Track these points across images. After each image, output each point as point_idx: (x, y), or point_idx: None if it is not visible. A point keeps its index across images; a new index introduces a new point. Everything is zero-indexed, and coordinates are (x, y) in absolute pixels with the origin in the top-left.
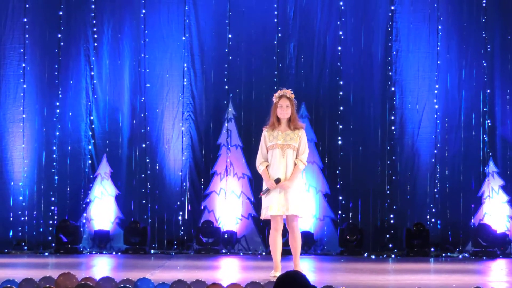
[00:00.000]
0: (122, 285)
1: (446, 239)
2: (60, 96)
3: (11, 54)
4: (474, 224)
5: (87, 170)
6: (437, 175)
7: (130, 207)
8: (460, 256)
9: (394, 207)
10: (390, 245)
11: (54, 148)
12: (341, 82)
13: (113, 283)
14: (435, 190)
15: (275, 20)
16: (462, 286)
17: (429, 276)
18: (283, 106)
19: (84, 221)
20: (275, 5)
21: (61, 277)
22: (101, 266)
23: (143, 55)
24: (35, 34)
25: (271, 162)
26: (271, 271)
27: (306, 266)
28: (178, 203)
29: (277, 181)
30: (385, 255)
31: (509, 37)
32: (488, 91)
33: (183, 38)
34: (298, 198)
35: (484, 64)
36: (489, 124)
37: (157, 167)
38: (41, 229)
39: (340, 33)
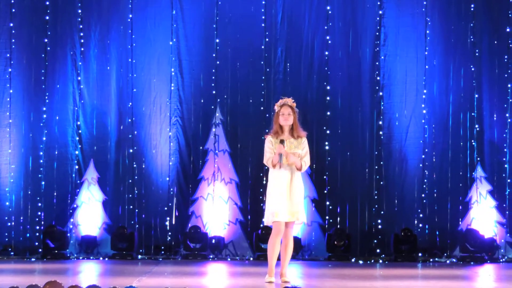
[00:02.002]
0: None
1: (434, 244)
2: (47, 101)
3: None
4: (462, 229)
5: (74, 175)
6: (425, 180)
7: (118, 213)
8: (448, 262)
9: (382, 212)
10: (378, 250)
11: (41, 153)
12: (328, 87)
13: None
14: (423, 195)
15: (263, 25)
16: None
17: (417, 283)
18: (285, 114)
19: (71, 226)
20: (263, 10)
21: (48, 285)
22: (88, 272)
23: (130, 59)
24: (22, 39)
25: (275, 170)
26: (266, 276)
27: (294, 272)
28: (166, 208)
29: (281, 142)
30: (372, 260)
31: (496, 42)
32: (476, 95)
33: (171, 42)
34: (303, 204)
35: (472, 69)
36: (477, 129)
37: (144, 172)
38: (28, 235)
39: (328, 37)
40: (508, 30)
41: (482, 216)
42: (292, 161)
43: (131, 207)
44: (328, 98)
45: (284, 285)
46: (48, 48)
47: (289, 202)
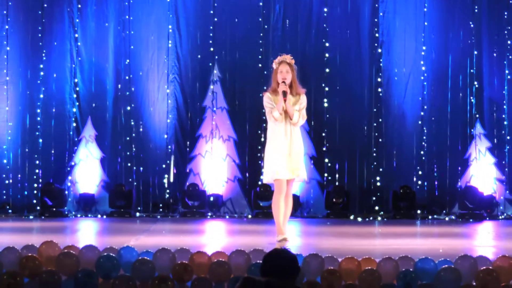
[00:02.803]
0: (105, 254)
1: (433, 202)
2: (44, 58)
3: None
4: (461, 186)
5: (71, 133)
6: (424, 137)
7: (115, 170)
8: (447, 219)
9: (381, 169)
10: (377, 208)
11: (38, 111)
12: (327, 44)
13: (96, 251)
14: (422, 152)
15: None
16: (448, 251)
17: (416, 240)
18: (283, 72)
19: (69, 184)
20: None
21: (44, 245)
22: (86, 230)
23: (127, 16)
24: None
25: (273, 125)
26: (277, 235)
27: (293, 230)
28: (164, 166)
29: (283, 93)
30: (371, 218)
31: None
32: (476, 52)
33: None
34: (303, 161)
35: (472, 26)
36: (476, 86)
37: (142, 130)
38: (26, 192)
39: None
40: None
41: (481, 173)
42: (290, 112)
43: (129, 164)
44: (327, 55)
45: (280, 244)
46: (45, 5)
47: (289, 159)
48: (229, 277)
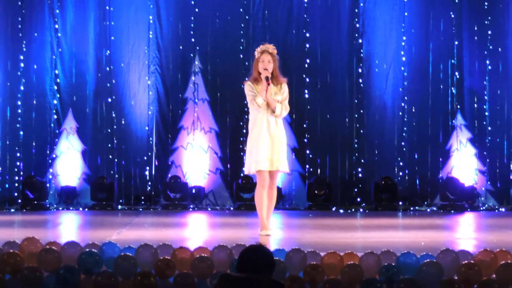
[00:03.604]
0: (87, 250)
1: (414, 193)
2: (24, 49)
3: None
4: (442, 177)
5: (52, 125)
6: (405, 128)
7: (97, 163)
8: (428, 210)
9: (362, 160)
10: (358, 199)
11: (19, 102)
12: (307, 34)
13: (78, 247)
14: (403, 143)
15: None
16: (430, 244)
17: (398, 233)
18: (264, 61)
19: (51, 177)
20: None
21: (26, 241)
22: (68, 224)
23: (107, 7)
24: None
25: (255, 116)
26: (261, 230)
27: (275, 222)
28: (145, 158)
29: (266, 78)
30: (353, 209)
31: None
32: (456, 42)
33: None
34: (285, 153)
35: (452, 16)
36: (457, 76)
37: (123, 122)
38: (7, 185)
39: None
40: None
41: (463, 164)
42: (272, 104)
43: (110, 156)
44: (307, 45)
45: (264, 238)
46: None
47: (270, 151)
48: (212, 272)
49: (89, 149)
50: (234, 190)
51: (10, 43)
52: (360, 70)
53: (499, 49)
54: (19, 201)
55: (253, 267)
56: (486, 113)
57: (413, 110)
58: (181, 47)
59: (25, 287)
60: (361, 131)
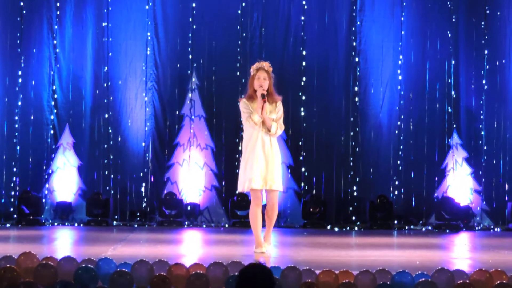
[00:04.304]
0: (83, 265)
1: (410, 212)
2: (23, 65)
3: None
4: (438, 196)
5: (49, 140)
6: (401, 147)
7: (93, 178)
8: (424, 229)
9: (358, 179)
10: (354, 218)
11: (16, 118)
12: (304, 52)
13: (74, 263)
14: (399, 162)
15: None
16: (425, 263)
17: (393, 252)
18: (260, 78)
19: (46, 192)
20: None
21: (22, 256)
22: (63, 239)
23: (106, 23)
24: None
25: (249, 134)
26: (256, 247)
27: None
28: (141, 174)
29: (262, 96)
30: (348, 228)
31: (474, 7)
32: (453, 62)
33: (147, 6)
34: (280, 172)
35: (449, 35)
36: (454, 95)
37: (119, 138)
38: (3, 200)
39: (304, 2)
40: None
41: (458, 183)
42: (268, 123)
43: (107, 172)
44: (304, 63)
45: (259, 255)
46: (24, 12)
47: (264, 169)
48: None
49: (85, 165)
50: (230, 207)
51: (9, 58)
52: (356, 89)
53: (496, 69)
54: (15, 216)
55: (253, 285)
56: (482, 133)
57: (409, 129)
58: (178, 64)
59: None
60: (357, 150)
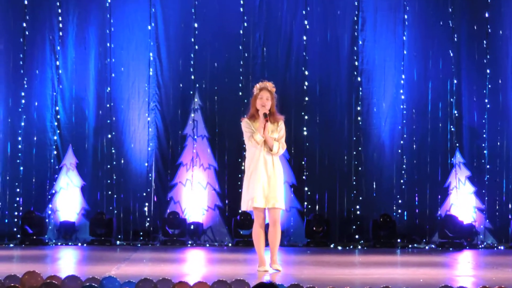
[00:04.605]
0: (87, 284)
1: (413, 230)
2: (26, 86)
3: None
4: (441, 215)
5: (52, 160)
6: (404, 166)
7: (96, 198)
8: (427, 248)
9: (361, 198)
10: (357, 236)
11: (20, 138)
12: (306, 72)
13: (78, 281)
14: (402, 181)
15: (241, 10)
16: (429, 281)
17: (396, 270)
18: (263, 98)
19: (50, 212)
20: None
21: (26, 275)
22: (67, 259)
23: (108, 44)
24: (0, 23)
25: (252, 153)
26: (259, 266)
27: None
28: (144, 194)
29: (265, 115)
30: (351, 246)
31: (475, 27)
32: (455, 81)
33: (149, 27)
34: (282, 191)
35: (451, 54)
36: (456, 114)
37: (122, 158)
38: (6, 220)
39: (306, 22)
40: (487, 15)
41: (461, 202)
42: (270, 142)
43: (110, 192)
44: (306, 83)
45: (274, 273)
46: (27, 33)
47: (267, 188)
48: None
49: (88, 185)
50: (233, 226)
51: (12, 79)
52: (359, 108)
53: (498, 88)
54: (19, 236)
55: None
56: (485, 151)
57: (412, 147)
58: (181, 84)
59: None
60: (360, 169)
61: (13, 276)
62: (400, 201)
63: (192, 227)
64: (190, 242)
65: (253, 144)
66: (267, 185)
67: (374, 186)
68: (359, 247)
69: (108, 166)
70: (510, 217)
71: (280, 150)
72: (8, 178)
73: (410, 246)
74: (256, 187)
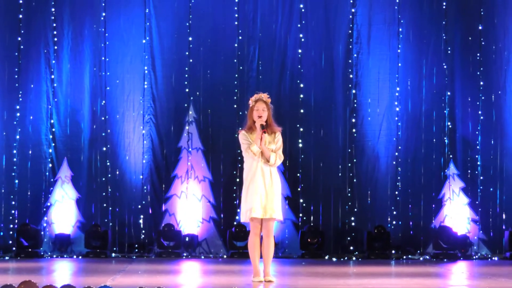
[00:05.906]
0: None
1: (407, 242)
2: (21, 99)
3: None
4: (435, 226)
5: (47, 173)
6: (398, 177)
7: (91, 211)
8: (421, 259)
9: (355, 209)
10: (351, 248)
11: (15, 151)
12: (301, 85)
13: None
14: (396, 192)
15: (236, 23)
16: None
17: (390, 280)
18: (259, 109)
19: (45, 224)
20: (236, 8)
21: (22, 285)
22: (62, 271)
23: (103, 58)
24: None
25: (249, 164)
26: (254, 276)
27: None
28: (139, 206)
29: (262, 126)
30: (346, 258)
31: (469, 38)
32: (449, 93)
33: (144, 41)
34: (280, 201)
35: (445, 66)
36: (450, 126)
37: (117, 171)
38: (2, 233)
39: (301, 35)
40: (480, 27)
41: (455, 213)
42: (267, 153)
43: (105, 205)
44: (301, 96)
45: (268, 284)
46: (22, 47)
47: (264, 199)
48: None
49: (83, 198)
50: (228, 238)
51: (7, 93)
52: (353, 120)
53: (491, 100)
54: (14, 248)
55: None
56: (479, 163)
57: (407, 159)
58: (175, 97)
59: None
60: (354, 180)
61: (9, 286)
62: (394, 212)
63: (187, 239)
64: (185, 254)
65: (250, 155)
66: (264, 195)
67: (369, 198)
68: (354, 258)
69: (103, 179)
70: (504, 228)
71: (277, 161)
72: (3, 191)
73: (404, 257)
74: (254, 198)
